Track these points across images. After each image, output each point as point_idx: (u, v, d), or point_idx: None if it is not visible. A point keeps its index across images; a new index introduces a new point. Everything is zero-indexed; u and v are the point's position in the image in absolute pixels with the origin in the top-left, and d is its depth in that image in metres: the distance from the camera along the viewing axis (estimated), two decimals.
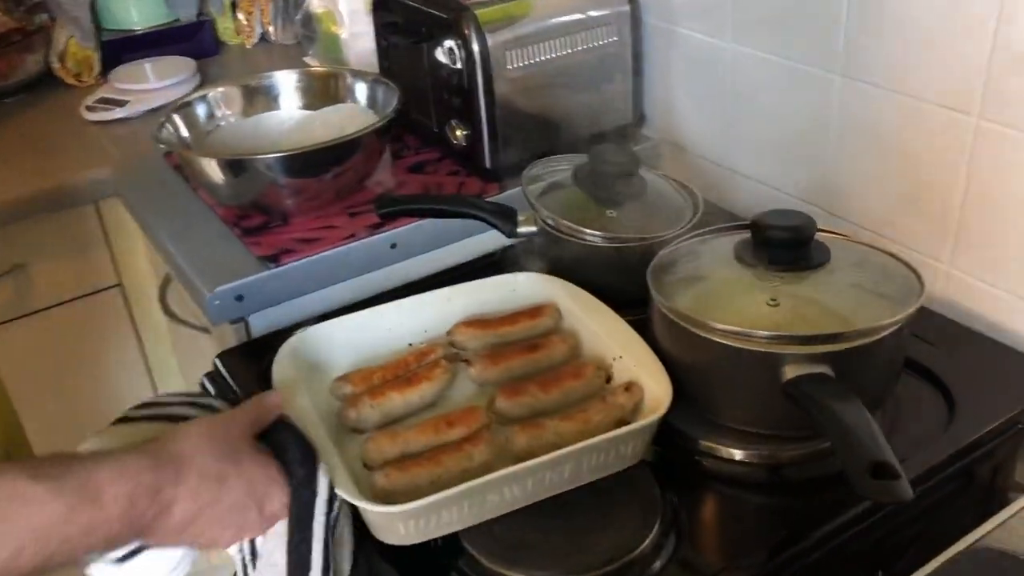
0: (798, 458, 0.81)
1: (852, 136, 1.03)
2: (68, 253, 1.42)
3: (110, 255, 1.46)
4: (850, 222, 1.05)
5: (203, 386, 0.99)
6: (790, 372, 0.73)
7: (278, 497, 0.66)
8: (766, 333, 0.74)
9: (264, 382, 0.93)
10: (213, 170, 1.10)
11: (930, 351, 0.89)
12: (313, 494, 0.66)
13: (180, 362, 1.54)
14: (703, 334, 0.77)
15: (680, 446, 0.82)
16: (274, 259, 1.09)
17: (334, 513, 0.67)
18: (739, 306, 0.78)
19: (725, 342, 0.76)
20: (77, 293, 1.45)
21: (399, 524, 0.70)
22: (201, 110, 1.23)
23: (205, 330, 1.20)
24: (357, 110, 1.26)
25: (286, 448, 0.68)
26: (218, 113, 1.25)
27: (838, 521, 0.75)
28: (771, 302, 0.76)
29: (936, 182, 0.95)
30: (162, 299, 1.29)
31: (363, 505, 0.68)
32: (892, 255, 0.82)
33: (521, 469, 0.71)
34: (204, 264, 1.10)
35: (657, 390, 0.79)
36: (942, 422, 0.83)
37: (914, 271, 0.80)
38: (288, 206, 1.15)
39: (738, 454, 0.81)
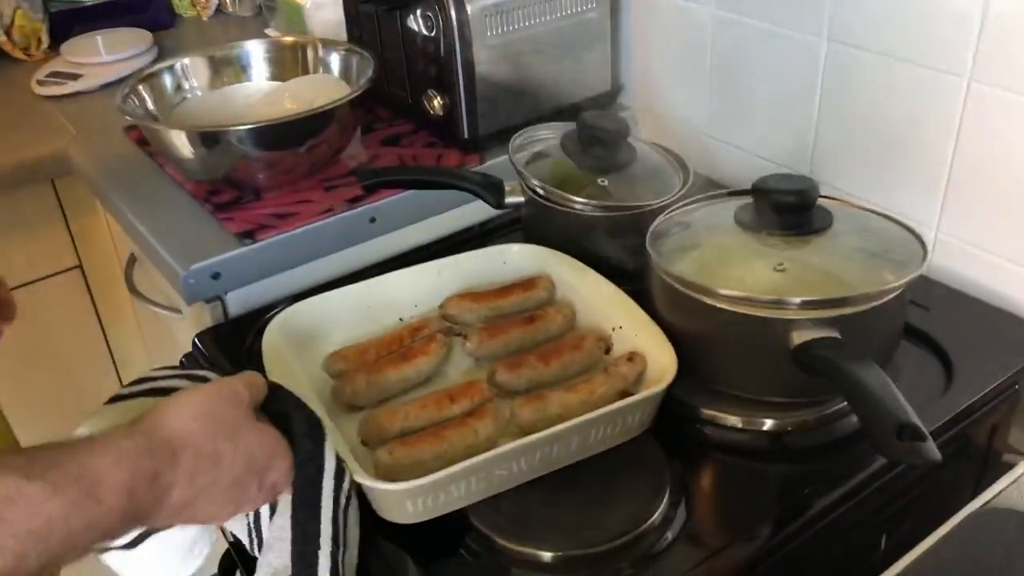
0: (800, 425, 0.80)
1: (839, 102, 1.03)
2: (24, 235, 1.35)
3: (69, 235, 1.40)
4: (837, 188, 1.05)
5: (183, 366, 0.95)
6: (798, 337, 0.73)
7: (280, 468, 0.63)
8: (774, 298, 0.73)
9: (248, 362, 0.90)
10: (183, 143, 1.05)
11: (924, 315, 0.89)
12: (320, 469, 0.63)
13: (148, 345, 1.49)
14: (708, 300, 0.76)
15: (680, 415, 0.81)
16: (250, 235, 1.05)
17: (344, 489, 0.64)
18: (742, 272, 0.77)
19: (731, 308, 0.75)
20: (34, 276, 1.39)
21: (407, 502, 0.68)
22: (168, 81, 1.18)
23: (176, 310, 1.15)
24: (329, 81, 1.22)
25: (290, 419, 0.65)
26: (185, 85, 1.20)
27: (843, 489, 0.74)
28: (779, 267, 0.75)
29: (925, 147, 0.95)
30: (128, 280, 1.24)
31: (371, 484, 0.66)
32: (892, 219, 0.81)
33: (529, 442, 0.69)
34: (176, 242, 1.06)
35: (661, 359, 0.77)
36: (940, 386, 0.83)
37: (915, 234, 0.79)
38: (261, 180, 1.11)
39: (740, 422, 0.80)
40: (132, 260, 1.25)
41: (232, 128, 1.04)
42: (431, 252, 1.05)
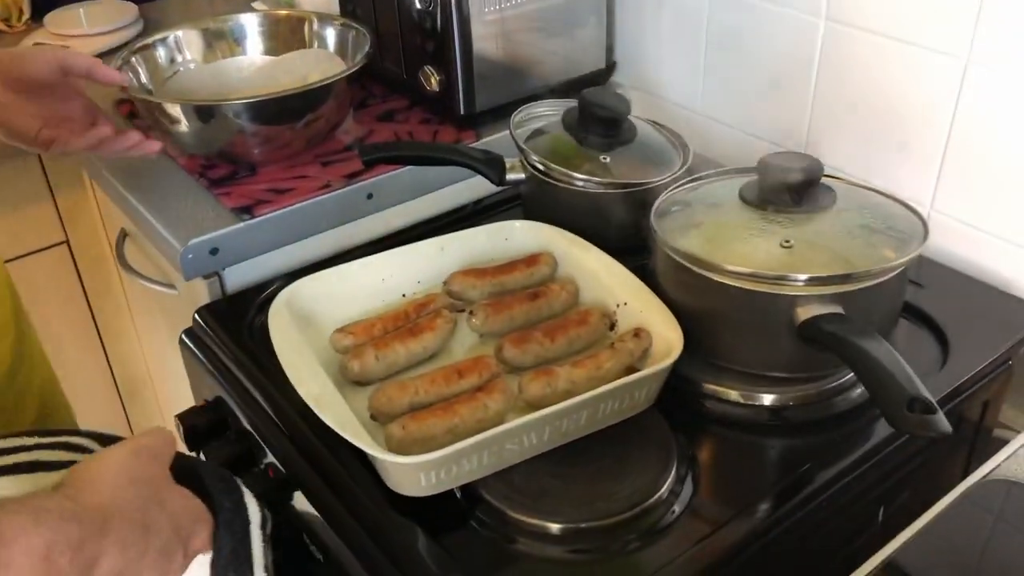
0: (800, 400, 0.81)
1: (835, 81, 1.04)
2: (10, 210, 1.34)
3: (56, 211, 1.38)
4: (831, 167, 1.06)
5: (182, 342, 0.94)
6: (803, 313, 0.74)
7: (202, 534, 0.60)
8: (780, 274, 0.74)
9: (249, 337, 0.90)
10: (179, 116, 1.04)
11: (920, 292, 0.91)
12: (246, 523, 0.62)
13: (136, 323, 1.48)
14: (714, 276, 0.76)
15: (684, 390, 0.82)
16: (248, 210, 1.04)
17: (268, 530, 0.63)
18: (747, 248, 0.78)
19: (736, 284, 0.76)
20: (20, 252, 1.37)
21: (420, 475, 0.68)
22: (161, 53, 1.17)
23: (171, 286, 1.14)
24: (323, 56, 1.21)
25: (203, 478, 0.63)
26: (179, 58, 1.18)
27: (842, 463, 0.75)
28: (785, 244, 0.76)
29: (921, 126, 0.96)
30: (119, 256, 1.23)
31: (386, 457, 0.66)
32: (892, 197, 0.83)
33: (540, 417, 0.70)
34: (173, 217, 1.05)
35: (667, 335, 0.78)
36: (937, 361, 0.85)
37: (915, 212, 0.80)
38: (256, 155, 1.10)
39: (742, 396, 0.81)
40: (123, 236, 1.24)
41: (229, 102, 1.03)
42: (428, 230, 1.05)
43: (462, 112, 1.18)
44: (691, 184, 0.89)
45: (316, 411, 0.70)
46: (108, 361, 1.52)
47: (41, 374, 0.98)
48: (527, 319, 0.85)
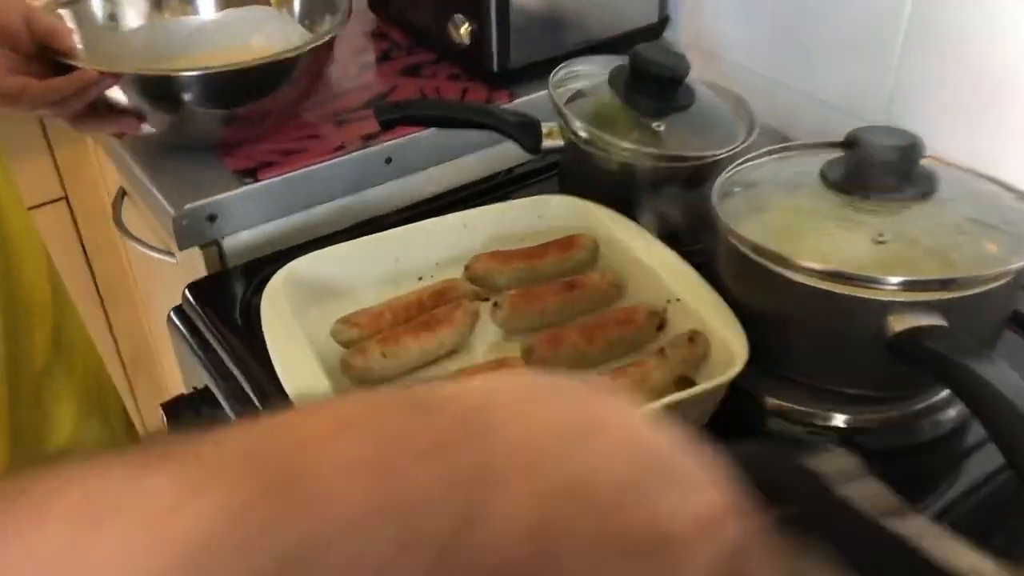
0: (877, 423, 0.69)
1: (926, 45, 0.89)
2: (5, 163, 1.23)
3: (54, 165, 1.27)
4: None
5: (170, 321, 0.84)
6: (897, 324, 0.61)
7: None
8: (871, 275, 0.61)
9: (244, 320, 0.79)
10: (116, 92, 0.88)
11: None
12: None
13: (139, 286, 1.37)
14: (787, 273, 0.64)
15: (738, 403, 0.70)
16: (251, 173, 0.93)
17: None
18: (830, 241, 0.65)
19: (815, 284, 0.63)
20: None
21: None
22: (98, 8, 1.01)
23: (170, 253, 1.04)
24: (271, 15, 1.06)
25: None
26: (119, 14, 1.03)
27: (929, 503, 0.64)
28: (878, 239, 0.63)
29: None
30: (116, 217, 1.12)
31: None
32: (1005, 185, 0.69)
33: None
34: (169, 178, 0.94)
35: (728, 341, 0.66)
36: None
37: None
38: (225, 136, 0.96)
39: (809, 415, 0.69)
40: (121, 194, 1.13)
41: (174, 74, 0.89)
42: (453, 201, 0.93)
43: (495, 69, 1.06)
44: (759, 160, 0.76)
45: None
46: (111, 330, 1.42)
47: (85, 362, 0.87)
48: (561, 314, 0.73)
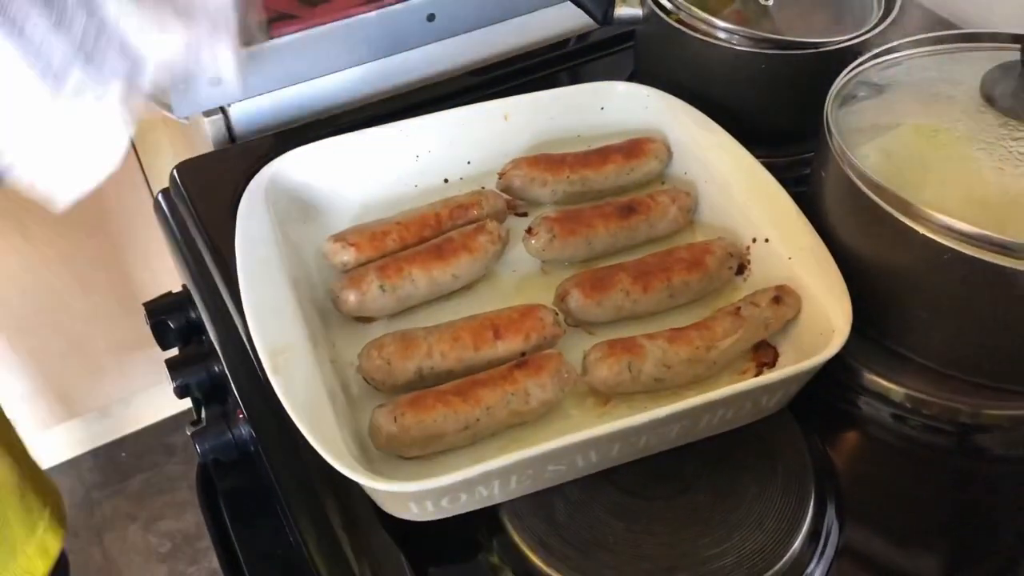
0: (1010, 422, 0.53)
1: None
2: None
3: None
4: None
5: (156, 205, 0.72)
6: None
7: None
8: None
9: (230, 213, 0.66)
10: None
11: None
12: None
13: (177, 154, 1.25)
14: (918, 228, 0.47)
15: (833, 378, 0.54)
16: (266, 27, 0.77)
17: None
18: (980, 185, 0.48)
19: (952, 245, 0.47)
20: None
21: (409, 503, 0.45)
22: None
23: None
24: None
25: None
26: None
27: None
28: None
29: None
30: None
31: (361, 479, 0.43)
32: None
33: (607, 434, 0.44)
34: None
35: (827, 304, 0.50)
36: None
37: None
38: None
39: (922, 404, 0.54)
40: None
41: None
42: (499, 76, 0.77)
43: None
44: (899, 54, 0.57)
45: (270, 375, 0.47)
46: (147, 181, 1.32)
47: None
48: (613, 245, 0.57)
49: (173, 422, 1.53)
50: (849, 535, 0.49)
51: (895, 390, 0.54)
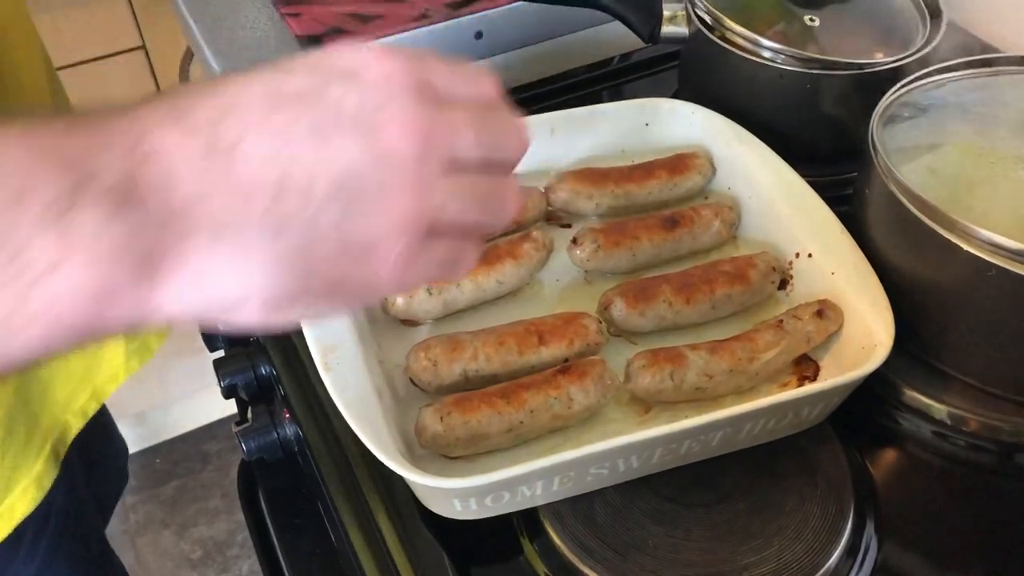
0: None
1: None
2: (76, 7, 1.14)
3: (131, 11, 1.17)
4: None
5: None
6: None
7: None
8: None
9: None
10: None
11: None
12: None
13: None
14: (963, 245, 0.48)
15: (874, 392, 0.55)
16: (317, 41, 0.80)
17: None
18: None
19: (999, 263, 0.47)
20: (88, 56, 1.18)
21: (454, 500, 0.46)
22: None
23: None
24: None
25: None
26: None
27: None
28: None
29: None
30: (183, 75, 1.01)
31: (407, 474, 0.44)
32: None
33: (648, 439, 0.45)
34: (226, 41, 0.81)
35: (870, 318, 0.51)
36: None
37: None
38: None
39: (964, 421, 0.54)
40: (189, 53, 1.02)
41: None
42: (545, 91, 0.78)
43: None
44: (944, 76, 0.58)
45: (321, 373, 0.48)
46: None
47: None
48: (657, 257, 0.58)
49: (208, 431, 1.55)
50: (887, 553, 0.49)
51: (936, 407, 0.54)
